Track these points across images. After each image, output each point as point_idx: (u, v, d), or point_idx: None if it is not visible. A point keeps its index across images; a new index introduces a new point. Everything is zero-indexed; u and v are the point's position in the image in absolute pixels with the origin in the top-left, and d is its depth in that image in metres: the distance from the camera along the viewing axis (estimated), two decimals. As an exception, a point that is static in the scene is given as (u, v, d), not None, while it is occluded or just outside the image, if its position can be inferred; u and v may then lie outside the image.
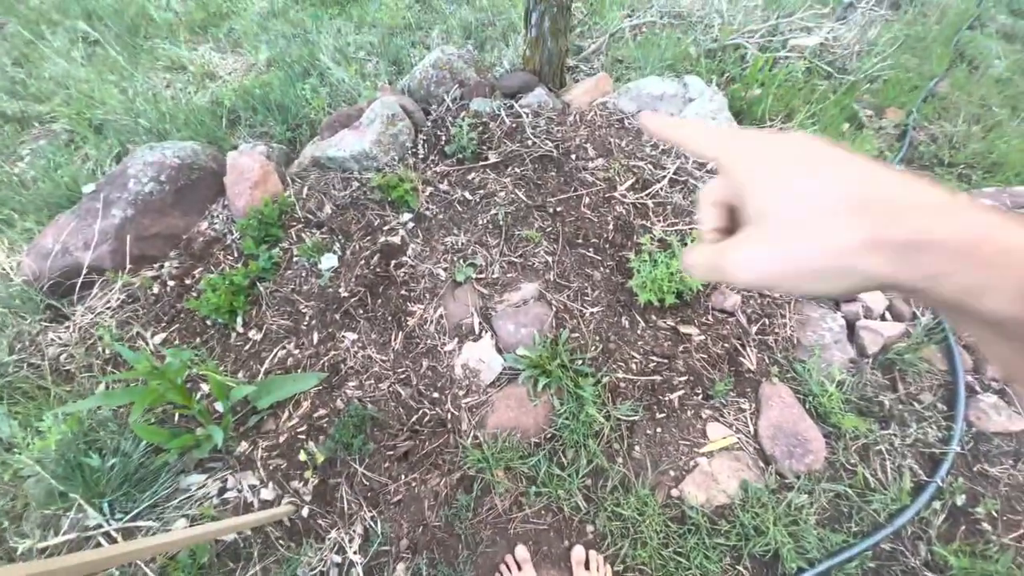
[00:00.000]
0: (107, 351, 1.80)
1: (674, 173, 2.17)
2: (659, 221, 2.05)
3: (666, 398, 1.69)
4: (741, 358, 1.77)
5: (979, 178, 2.51)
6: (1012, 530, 1.48)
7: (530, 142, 2.25)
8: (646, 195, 2.12)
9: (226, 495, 1.53)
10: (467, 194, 2.14)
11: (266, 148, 2.30)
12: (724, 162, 0.35)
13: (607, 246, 2.02)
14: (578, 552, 1.45)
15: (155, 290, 1.94)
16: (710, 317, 1.85)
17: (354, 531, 1.48)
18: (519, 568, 1.42)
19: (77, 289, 1.91)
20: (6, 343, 1.80)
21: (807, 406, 1.67)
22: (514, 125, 2.32)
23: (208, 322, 1.88)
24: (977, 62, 3.33)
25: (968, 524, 1.50)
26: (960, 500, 1.53)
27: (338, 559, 1.44)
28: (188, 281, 1.97)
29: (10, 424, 1.61)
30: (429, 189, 2.16)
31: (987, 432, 1.65)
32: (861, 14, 3.30)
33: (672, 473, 1.57)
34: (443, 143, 2.27)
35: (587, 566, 1.43)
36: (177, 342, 1.84)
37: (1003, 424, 1.65)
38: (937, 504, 1.52)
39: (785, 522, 1.46)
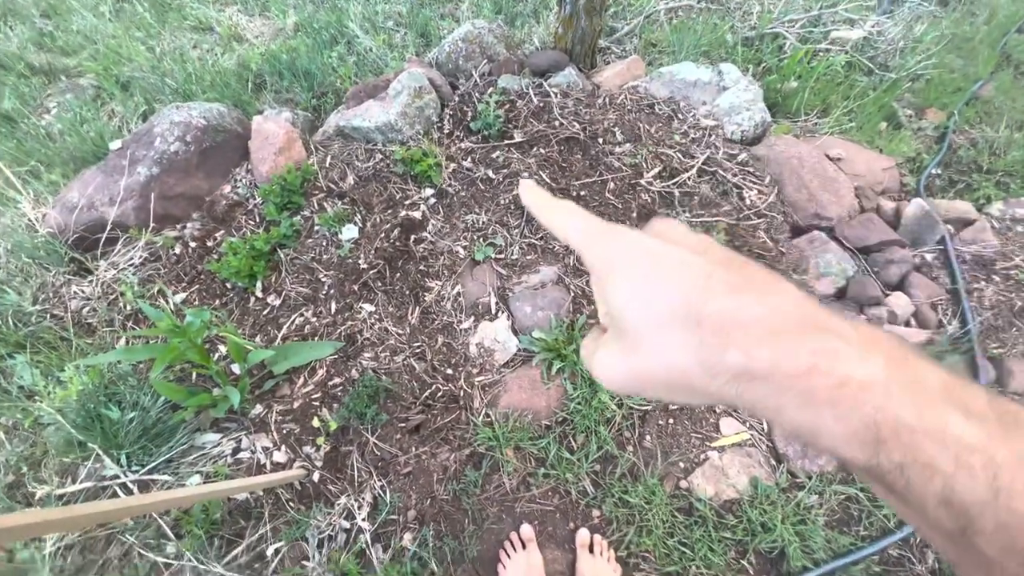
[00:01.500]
0: (128, 307, 1.82)
1: (703, 163, 2.12)
2: (685, 212, 2.01)
3: (680, 390, 1.67)
4: (759, 355, 1.74)
5: (1017, 187, 2.42)
6: None
7: (557, 123, 2.21)
8: (673, 184, 2.07)
9: (240, 455, 1.56)
10: (490, 172, 2.12)
11: (291, 114, 2.28)
12: (587, 261, 0.32)
13: (630, 234, 1.99)
14: (583, 535, 1.46)
15: (177, 250, 1.95)
16: (730, 312, 1.82)
17: (363, 499, 1.50)
18: (523, 546, 1.43)
19: (101, 244, 1.93)
20: (30, 293, 1.83)
21: (823, 407, 1.64)
22: (541, 104, 2.27)
23: (228, 285, 1.89)
24: (1024, 67, 3.20)
25: (979, 536, 1.48)
26: (973, 512, 1.51)
27: (346, 524, 1.46)
28: (210, 243, 1.98)
29: (32, 372, 1.64)
30: (452, 165, 2.13)
31: (1006, 446, 1.62)
32: (908, 8, 3.18)
33: (682, 465, 1.57)
34: (469, 119, 2.23)
35: (591, 550, 1.43)
36: (197, 303, 1.86)
37: (1023, 439, 1.62)
38: (949, 514, 1.50)
39: (793, 521, 1.45)
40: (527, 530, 1.45)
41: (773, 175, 2.15)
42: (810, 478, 1.52)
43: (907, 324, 1.84)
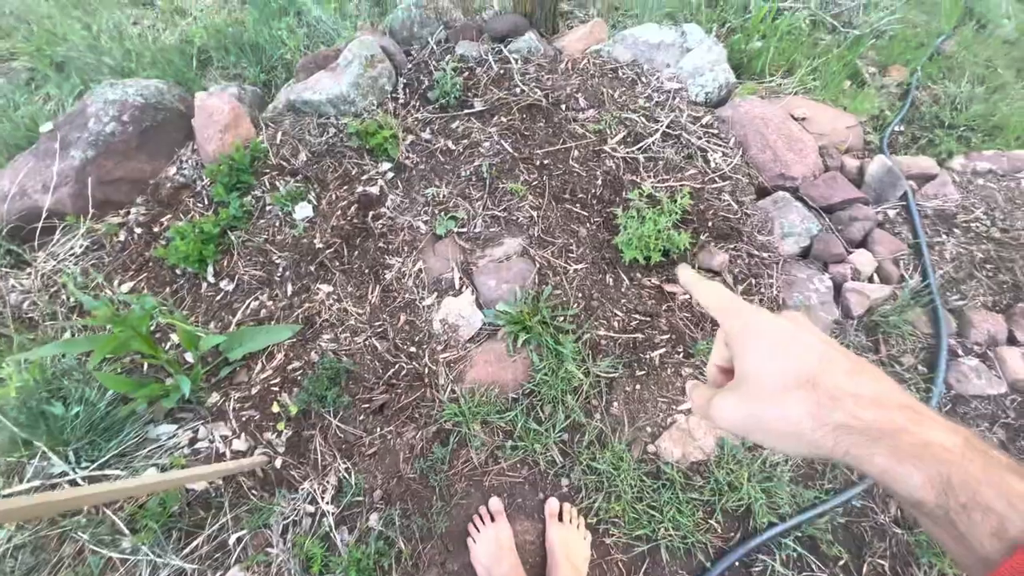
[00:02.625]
0: (71, 299, 1.73)
1: (667, 127, 2.08)
2: (649, 176, 1.98)
3: (647, 356, 1.66)
4: (725, 317, 1.74)
5: (979, 141, 2.44)
6: (981, 489, 1.49)
7: (518, 90, 2.14)
8: (637, 149, 2.03)
9: (197, 445, 1.51)
10: (450, 144, 2.05)
11: (238, 90, 2.17)
12: (726, 326, 0.43)
13: (594, 202, 1.95)
14: (552, 504, 1.45)
15: (121, 237, 1.86)
16: (696, 276, 1.81)
17: (327, 482, 1.47)
18: (492, 519, 1.42)
19: (38, 234, 1.82)
20: (-36, 289, 1.73)
21: (788, 366, 1.65)
22: (502, 71, 2.20)
23: (178, 271, 1.81)
24: (986, 21, 3.20)
25: (939, 483, 1.51)
26: (933, 460, 1.53)
27: (311, 509, 1.43)
28: (156, 228, 1.89)
29: (-30, 371, 1.56)
30: (410, 137, 2.06)
31: (966, 395, 1.65)
32: (872, -36, 3.13)
33: (649, 429, 1.56)
34: (426, 88, 2.15)
35: (560, 518, 1.43)
36: (146, 291, 1.77)
37: (982, 387, 1.65)
38: (910, 463, 1.53)
39: (759, 478, 1.46)
40: (496, 503, 1.44)
41: (738, 137, 2.12)
42: (776, 436, 1.52)
43: (870, 280, 1.85)
